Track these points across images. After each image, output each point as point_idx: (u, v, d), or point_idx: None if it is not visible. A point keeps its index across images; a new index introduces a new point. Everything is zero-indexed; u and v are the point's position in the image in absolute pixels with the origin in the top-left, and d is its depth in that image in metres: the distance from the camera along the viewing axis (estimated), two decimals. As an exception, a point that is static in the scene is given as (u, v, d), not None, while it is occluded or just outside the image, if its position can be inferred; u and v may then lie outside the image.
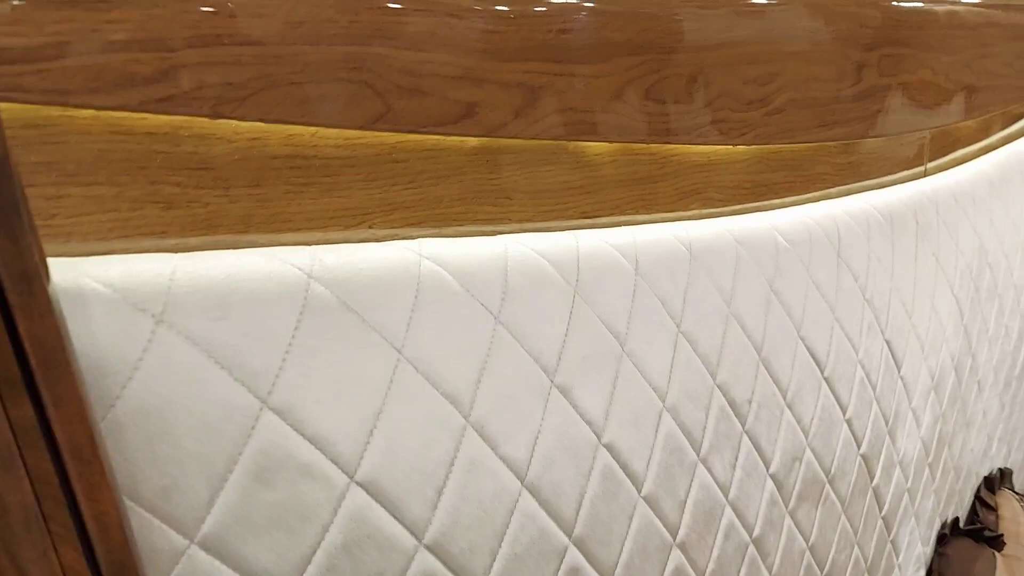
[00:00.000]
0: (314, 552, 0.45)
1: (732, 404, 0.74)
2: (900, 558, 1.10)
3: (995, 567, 1.21)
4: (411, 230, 0.56)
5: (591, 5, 0.62)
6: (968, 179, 1.25)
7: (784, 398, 0.82)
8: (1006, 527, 1.32)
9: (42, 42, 0.35)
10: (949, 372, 1.16)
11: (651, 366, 0.66)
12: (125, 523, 0.37)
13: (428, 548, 0.50)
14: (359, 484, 0.46)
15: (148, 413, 0.39)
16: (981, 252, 1.25)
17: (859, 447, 0.94)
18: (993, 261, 1.29)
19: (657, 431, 0.66)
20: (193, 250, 0.44)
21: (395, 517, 0.48)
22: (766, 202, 0.91)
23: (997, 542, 1.27)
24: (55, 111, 0.38)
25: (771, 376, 0.79)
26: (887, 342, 0.99)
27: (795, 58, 0.85)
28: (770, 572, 0.81)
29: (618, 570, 0.63)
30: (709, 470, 0.71)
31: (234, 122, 0.45)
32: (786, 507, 0.83)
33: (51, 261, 0.36)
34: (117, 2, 0.37)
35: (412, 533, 0.49)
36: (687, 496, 0.69)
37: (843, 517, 0.93)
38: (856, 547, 0.97)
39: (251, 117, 0.44)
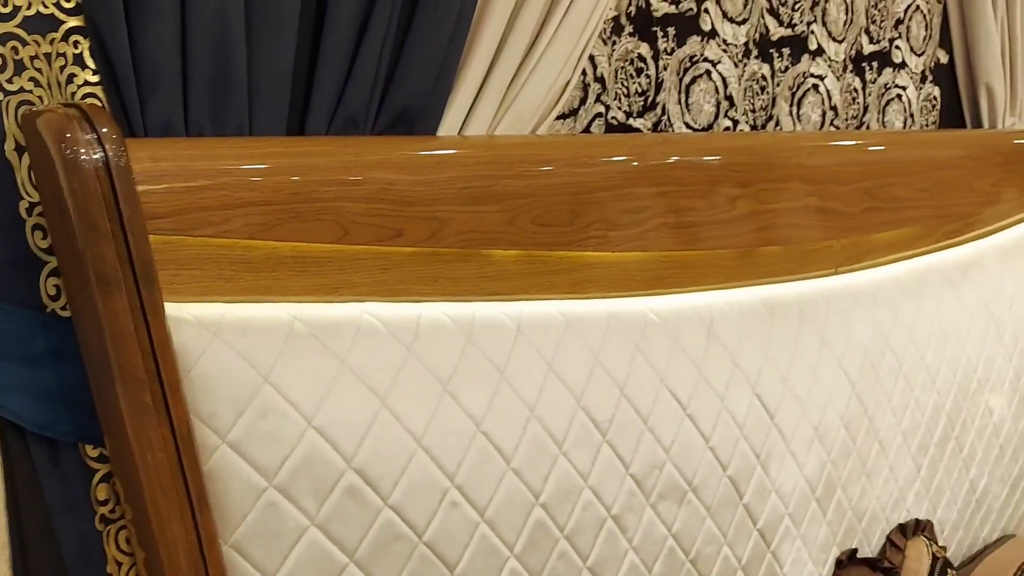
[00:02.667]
0: (284, 460, 0.88)
1: (593, 421, 1.14)
2: (785, 568, 1.43)
3: (882, 591, 1.52)
4: (367, 298, 0.99)
5: (488, 175, 1.05)
6: (872, 280, 1.59)
7: (645, 423, 1.20)
8: (908, 565, 1.62)
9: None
10: (837, 429, 1.49)
11: (523, 388, 1.06)
12: (191, 422, 0.82)
13: (355, 471, 0.92)
14: (315, 428, 0.89)
15: (207, 375, 0.83)
16: (881, 337, 1.58)
17: (724, 470, 1.30)
18: (897, 346, 1.61)
19: (525, 429, 1.06)
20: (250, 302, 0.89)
21: (335, 449, 0.91)
22: (658, 291, 1.29)
23: (891, 573, 1.57)
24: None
25: (631, 406, 1.18)
26: (757, 396, 1.35)
27: (666, 197, 1.25)
28: (630, 543, 1.18)
29: (489, 511, 1.03)
30: (570, 461, 1.11)
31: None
32: (647, 500, 1.20)
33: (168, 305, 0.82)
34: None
35: (344, 459, 0.91)
36: (549, 473, 1.09)
37: (709, 519, 1.29)
38: (726, 546, 1.32)
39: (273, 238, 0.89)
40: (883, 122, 1.81)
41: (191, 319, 0.83)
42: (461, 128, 1.10)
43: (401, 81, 1.00)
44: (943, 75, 1.92)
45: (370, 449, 0.93)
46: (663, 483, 1.23)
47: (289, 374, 0.88)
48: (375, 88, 0.98)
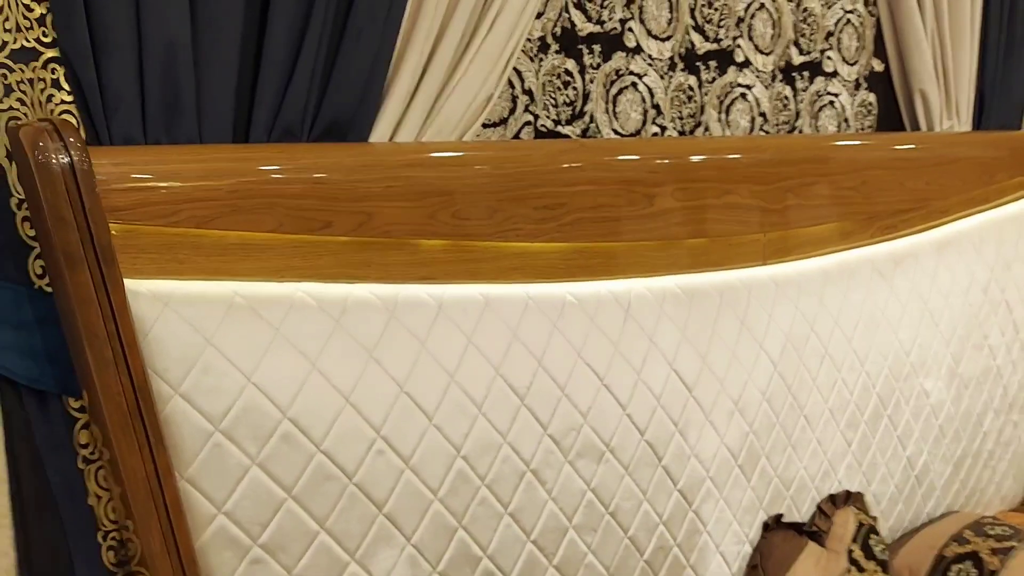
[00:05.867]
0: (228, 410, 1.07)
1: (511, 387, 1.32)
2: (708, 527, 1.59)
3: (801, 551, 1.66)
4: (305, 279, 1.18)
5: (409, 175, 1.24)
6: (798, 271, 1.75)
7: (562, 391, 1.37)
8: (835, 530, 1.76)
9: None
10: (758, 403, 1.65)
11: (443, 357, 1.25)
12: (148, 375, 1.02)
13: (289, 420, 1.11)
14: (253, 384, 1.08)
15: (160, 337, 1.03)
16: (804, 322, 1.73)
17: (642, 434, 1.47)
18: (821, 331, 1.76)
19: (446, 392, 1.24)
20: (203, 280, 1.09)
21: (271, 401, 1.10)
22: (581, 278, 1.46)
23: (816, 536, 1.72)
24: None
25: (549, 375, 1.36)
26: (675, 371, 1.52)
27: (581, 195, 1.42)
28: (549, 494, 1.36)
29: (413, 459, 1.21)
30: (488, 420, 1.29)
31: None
32: (565, 457, 1.37)
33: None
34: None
35: (279, 410, 1.10)
36: (469, 430, 1.27)
37: (627, 477, 1.45)
38: (646, 502, 1.48)
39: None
40: (816, 127, 1.97)
41: (146, 292, 1.03)
42: (392, 136, 1.29)
43: (331, 98, 1.20)
44: (879, 82, 2.08)
45: (302, 403, 1.12)
46: (581, 443, 1.40)
47: (229, 339, 1.07)
48: (308, 105, 1.18)
